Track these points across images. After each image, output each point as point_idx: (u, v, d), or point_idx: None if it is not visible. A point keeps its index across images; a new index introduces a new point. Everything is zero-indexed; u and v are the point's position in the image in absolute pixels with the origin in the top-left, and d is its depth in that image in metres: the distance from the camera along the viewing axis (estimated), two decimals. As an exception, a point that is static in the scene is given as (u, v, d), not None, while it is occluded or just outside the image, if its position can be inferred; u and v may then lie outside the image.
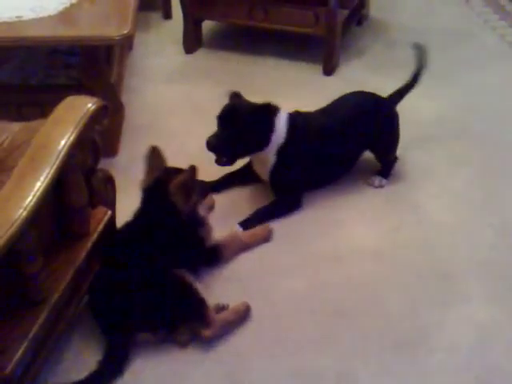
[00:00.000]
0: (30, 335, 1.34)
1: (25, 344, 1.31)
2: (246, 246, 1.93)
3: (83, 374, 1.54)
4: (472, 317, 1.73)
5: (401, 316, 1.73)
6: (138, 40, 3.02)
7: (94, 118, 1.52)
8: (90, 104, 1.52)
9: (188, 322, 1.64)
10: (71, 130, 1.45)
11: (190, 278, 1.67)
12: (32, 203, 1.29)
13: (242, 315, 1.70)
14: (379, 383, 1.57)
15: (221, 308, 1.71)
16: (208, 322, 1.62)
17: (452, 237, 2.00)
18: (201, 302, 1.63)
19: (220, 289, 1.80)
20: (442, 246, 1.96)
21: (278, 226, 2.03)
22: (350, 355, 1.63)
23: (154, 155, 1.80)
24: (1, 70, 2.29)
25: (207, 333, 1.63)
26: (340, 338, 1.68)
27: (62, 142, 1.41)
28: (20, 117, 2.18)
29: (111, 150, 2.27)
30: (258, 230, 1.98)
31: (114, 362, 1.56)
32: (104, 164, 2.10)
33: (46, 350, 1.46)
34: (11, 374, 1.26)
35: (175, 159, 2.22)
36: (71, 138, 1.43)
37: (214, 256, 1.85)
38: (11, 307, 1.37)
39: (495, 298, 1.79)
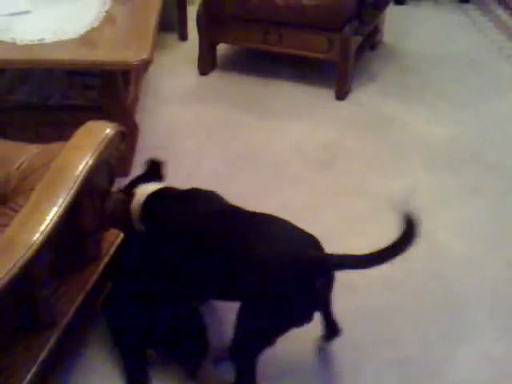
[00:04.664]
0: (40, 359, 1.34)
1: (34, 368, 1.32)
2: None
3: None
4: (485, 351, 1.71)
5: (413, 349, 1.72)
6: (153, 61, 3.06)
7: (112, 143, 1.55)
8: (108, 129, 1.54)
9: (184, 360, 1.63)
10: (89, 155, 1.47)
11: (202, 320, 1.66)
12: (49, 228, 1.30)
13: None
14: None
15: None
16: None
17: (464, 268, 1.99)
18: (199, 357, 1.61)
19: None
20: (454, 277, 1.96)
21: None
22: (358, 386, 1.63)
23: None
24: (20, 90, 2.32)
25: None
26: (349, 368, 1.67)
27: (80, 167, 1.43)
28: (37, 136, 2.21)
29: (123, 169, 2.29)
30: None
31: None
32: (116, 183, 2.15)
33: (54, 373, 1.46)
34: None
35: (188, 181, 2.23)
36: (89, 163, 1.45)
37: None
38: (21, 331, 1.38)
39: (509, 332, 1.78)
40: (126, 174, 2.33)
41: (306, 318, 1.47)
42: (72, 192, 1.39)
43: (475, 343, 1.74)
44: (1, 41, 1.97)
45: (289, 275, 1.40)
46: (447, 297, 1.89)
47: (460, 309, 1.84)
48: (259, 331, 1.46)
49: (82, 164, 1.44)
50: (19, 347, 1.37)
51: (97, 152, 1.48)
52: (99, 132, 1.53)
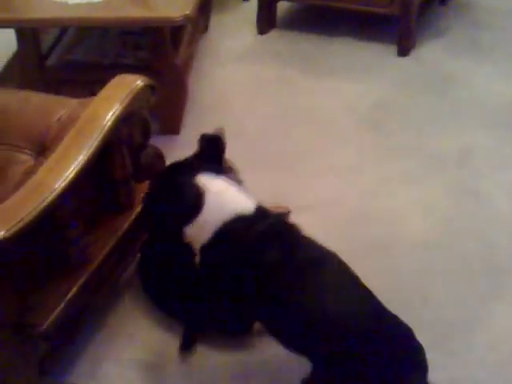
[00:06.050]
0: (69, 296, 1.43)
1: (62, 304, 1.41)
2: None
3: (122, 342, 1.62)
4: (520, 315, 1.65)
5: (446, 309, 1.68)
6: (213, 21, 3.09)
7: (141, 96, 1.59)
8: (137, 82, 1.59)
9: None
10: (117, 106, 1.52)
11: None
12: (73, 174, 1.37)
13: None
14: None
15: None
16: None
17: (510, 230, 1.89)
18: None
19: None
20: (498, 238, 1.87)
21: (325, 204, 2.01)
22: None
23: None
24: (77, 50, 2.43)
25: None
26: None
27: (107, 117, 1.49)
28: (92, 95, 2.30)
29: (174, 128, 2.35)
30: None
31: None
32: (166, 141, 2.21)
33: (87, 313, 1.55)
34: (46, 331, 1.36)
35: (236, 139, 2.25)
36: (116, 113, 1.50)
37: None
38: (54, 269, 1.47)
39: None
40: (176, 132, 2.40)
41: None
42: (98, 141, 1.45)
43: (510, 306, 1.66)
44: (53, 1, 2.06)
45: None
46: (488, 259, 1.80)
47: (499, 271, 1.77)
48: None
49: (109, 114, 1.50)
50: (51, 284, 1.46)
51: (124, 103, 1.53)
52: (128, 84, 1.58)
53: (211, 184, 1.32)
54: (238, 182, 1.57)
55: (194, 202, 1.30)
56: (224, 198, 1.31)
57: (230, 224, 1.29)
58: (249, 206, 1.32)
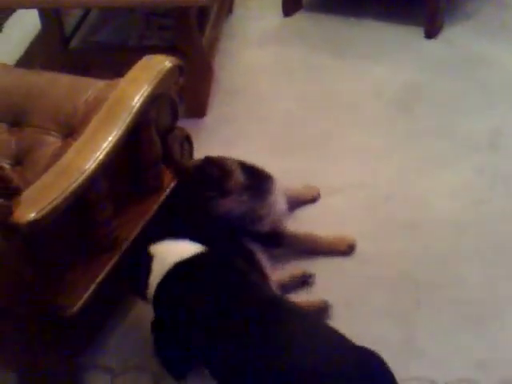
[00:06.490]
0: (99, 279, 1.42)
1: (92, 287, 1.40)
2: (317, 251, 1.79)
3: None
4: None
5: (476, 290, 1.66)
6: (237, 4, 3.04)
7: (169, 77, 1.56)
8: (165, 63, 1.56)
9: None
10: (145, 87, 1.50)
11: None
12: (102, 156, 1.36)
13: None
14: (445, 355, 1.52)
15: (308, 277, 1.71)
16: None
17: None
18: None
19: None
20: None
21: (354, 187, 1.98)
22: (416, 325, 1.59)
23: None
24: (101, 32, 2.41)
25: None
26: (409, 307, 1.64)
27: (136, 99, 1.47)
28: (118, 76, 2.29)
29: (199, 111, 2.32)
30: (339, 239, 1.81)
31: None
32: (191, 124, 2.19)
33: (116, 298, 1.55)
34: (75, 314, 1.35)
35: (263, 122, 2.24)
36: (145, 95, 1.49)
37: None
38: (83, 253, 1.46)
39: None
40: (201, 115, 2.37)
41: None
42: (127, 122, 1.44)
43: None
44: (77, -19, 2.04)
45: None
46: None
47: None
48: None
49: (138, 95, 1.48)
50: (81, 267, 1.45)
51: (153, 84, 1.51)
52: (156, 65, 1.56)
53: (159, 248, 1.49)
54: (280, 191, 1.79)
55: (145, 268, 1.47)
56: (166, 255, 1.46)
57: (170, 272, 1.42)
58: (187, 252, 1.45)
